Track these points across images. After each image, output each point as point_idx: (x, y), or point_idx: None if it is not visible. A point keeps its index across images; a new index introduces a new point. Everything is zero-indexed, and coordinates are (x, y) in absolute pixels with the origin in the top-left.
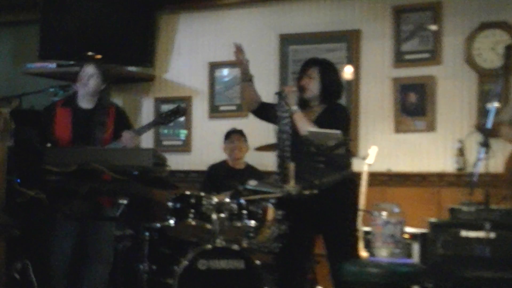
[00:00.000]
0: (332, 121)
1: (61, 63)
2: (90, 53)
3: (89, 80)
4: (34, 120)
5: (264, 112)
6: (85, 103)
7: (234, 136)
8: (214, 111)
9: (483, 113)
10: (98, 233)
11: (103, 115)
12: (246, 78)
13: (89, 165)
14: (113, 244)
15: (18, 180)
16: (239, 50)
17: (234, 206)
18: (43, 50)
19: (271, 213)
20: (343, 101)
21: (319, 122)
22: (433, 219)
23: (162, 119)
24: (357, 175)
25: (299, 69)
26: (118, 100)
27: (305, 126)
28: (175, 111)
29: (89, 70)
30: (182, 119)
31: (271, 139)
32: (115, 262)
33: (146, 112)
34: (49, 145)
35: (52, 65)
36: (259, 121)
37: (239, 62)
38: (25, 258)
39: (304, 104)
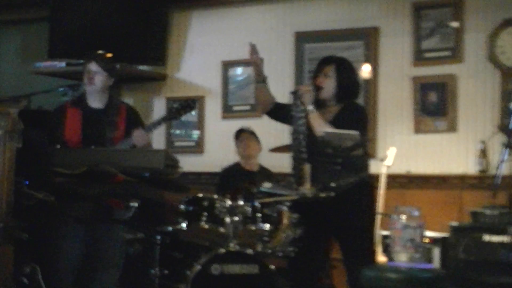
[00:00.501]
0: (349, 121)
1: (70, 61)
2: (100, 52)
3: (93, 77)
4: (42, 121)
5: (279, 113)
6: (94, 102)
7: (242, 135)
8: (228, 111)
9: (506, 113)
10: (108, 236)
11: (113, 115)
12: (260, 79)
13: (99, 167)
14: (123, 248)
15: (26, 182)
16: (253, 50)
17: (248, 209)
18: (52, 49)
19: (286, 216)
20: (360, 100)
21: (336, 122)
22: (454, 223)
23: (172, 115)
24: (375, 177)
25: (315, 67)
26: (129, 99)
27: (321, 127)
28: (185, 106)
29: (92, 67)
30: (194, 119)
31: (286, 140)
32: (125, 267)
33: (158, 112)
34: (57, 146)
35: (61, 64)
36: (274, 122)
37: (253, 62)
38: (33, 262)
39: (320, 104)
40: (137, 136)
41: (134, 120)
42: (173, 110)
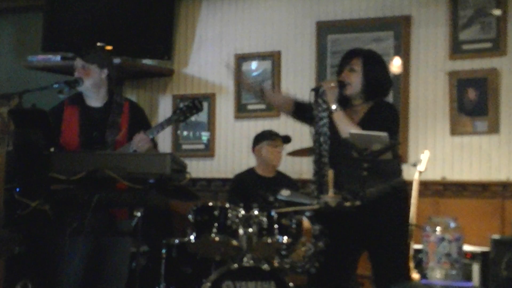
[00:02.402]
0: (379, 122)
1: (66, 55)
2: (99, 44)
3: (80, 74)
4: (36, 120)
5: (303, 114)
6: (93, 100)
7: (277, 141)
8: (241, 111)
9: None
10: (111, 250)
11: (114, 114)
12: (259, 94)
13: (99, 172)
14: (128, 263)
15: (18, 189)
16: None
17: (264, 219)
18: (46, 41)
19: (306, 227)
20: (390, 98)
21: (364, 123)
22: (496, 236)
23: (176, 117)
24: (407, 184)
25: (339, 61)
26: (132, 97)
27: (347, 128)
28: (191, 107)
29: (77, 64)
30: (204, 120)
31: (307, 142)
32: (128, 283)
33: (163, 111)
34: (51, 149)
35: (56, 58)
36: (292, 122)
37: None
38: (27, 278)
39: (344, 102)
40: (138, 141)
41: (139, 119)
42: (178, 112)
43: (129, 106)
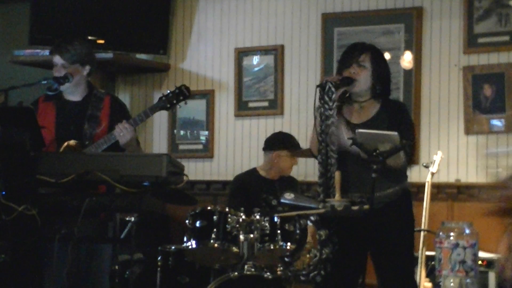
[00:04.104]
0: (396, 124)
1: None
2: (90, 38)
3: (60, 71)
4: (23, 119)
5: None
6: (71, 95)
7: (299, 153)
8: (242, 108)
9: None
10: (101, 257)
11: (94, 108)
12: None
13: (90, 175)
14: (119, 271)
15: (4, 193)
16: None
17: (267, 224)
18: (34, 34)
19: (311, 233)
20: (400, 95)
21: (378, 123)
22: None
23: (161, 104)
24: (419, 187)
25: (343, 56)
26: (125, 94)
27: (349, 131)
28: (177, 93)
29: (55, 61)
30: (202, 118)
31: None
32: None
33: None
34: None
35: (44, 52)
36: (296, 121)
37: None
38: (11, 287)
39: (350, 99)
40: (120, 130)
41: (120, 114)
42: (163, 99)
43: (110, 101)
